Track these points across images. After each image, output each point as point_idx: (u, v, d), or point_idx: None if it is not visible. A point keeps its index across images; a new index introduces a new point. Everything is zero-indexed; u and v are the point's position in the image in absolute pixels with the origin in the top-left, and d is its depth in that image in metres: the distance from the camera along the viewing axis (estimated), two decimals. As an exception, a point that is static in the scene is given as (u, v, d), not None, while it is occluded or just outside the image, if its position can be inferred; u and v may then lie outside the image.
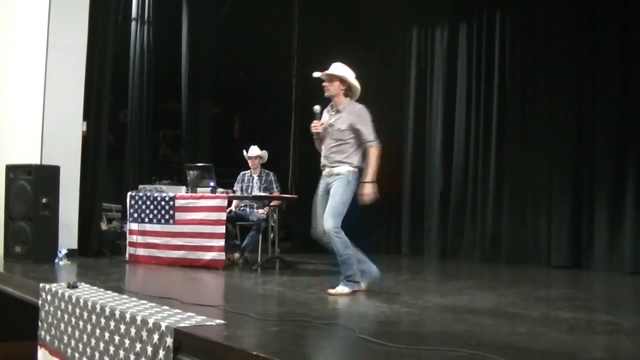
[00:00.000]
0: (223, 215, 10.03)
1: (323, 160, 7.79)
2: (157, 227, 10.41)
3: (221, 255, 9.97)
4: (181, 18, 15.30)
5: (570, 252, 11.75)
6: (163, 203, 10.37)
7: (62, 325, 6.51)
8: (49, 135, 10.63)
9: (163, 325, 4.96)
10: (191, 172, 10.90)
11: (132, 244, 10.65)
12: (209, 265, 9.94)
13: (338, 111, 7.76)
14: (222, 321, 5.33)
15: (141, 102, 14.90)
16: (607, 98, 11.32)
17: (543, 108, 12.17)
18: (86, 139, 11.18)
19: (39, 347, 7.00)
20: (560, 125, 11.89)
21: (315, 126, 7.84)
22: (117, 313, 5.56)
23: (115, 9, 12.47)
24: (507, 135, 12.63)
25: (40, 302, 7.07)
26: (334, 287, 7.56)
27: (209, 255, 10.00)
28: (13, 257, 10.06)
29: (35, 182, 10.05)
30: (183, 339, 4.80)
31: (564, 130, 11.84)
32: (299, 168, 15.89)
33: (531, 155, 12.27)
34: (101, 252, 11.31)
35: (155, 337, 4.98)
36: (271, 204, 11.12)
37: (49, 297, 6.92)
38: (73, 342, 6.25)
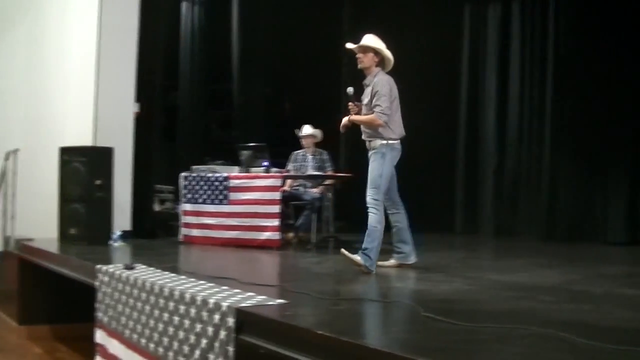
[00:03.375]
0: (277, 195, 9.96)
1: (363, 136, 7.81)
2: (211, 208, 10.36)
3: (276, 235, 9.91)
4: (231, -3, 15.25)
5: (627, 229, 11.58)
6: (217, 183, 10.31)
7: (120, 307, 6.49)
8: (102, 117, 10.61)
9: (224, 305, 4.88)
10: (244, 152, 10.83)
11: (186, 225, 10.61)
12: (264, 245, 9.89)
13: (366, 85, 7.73)
14: (283, 300, 5.25)
15: (192, 82, 14.86)
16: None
17: (599, 82, 11.91)
18: (139, 120, 11.14)
19: (97, 329, 6.99)
20: (617, 101, 11.65)
21: (351, 108, 7.85)
22: (177, 294, 5.51)
23: (166, -11, 12.42)
24: (561, 111, 12.41)
25: (97, 283, 7.06)
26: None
27: (263, 235, 9.95)
28: (68, 239, 10.06)
29: (89, 164, 10.04)
30: (245, 318, 4.72)
31: (620, 106, 11.61)
32: (350, 147, 15.78)
33: (587, 131, 12.05)
34: (155, 234, 11.30)
35: (217, 317, 4.91)
36: (325, 182, 11.03)
37: (106, 279, 6.90)
38: (131, 323, 6.22)
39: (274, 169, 10.55)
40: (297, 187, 11.31)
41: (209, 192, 10.38)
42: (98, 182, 10.04)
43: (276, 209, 9.92)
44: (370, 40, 7.67)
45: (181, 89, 14.86)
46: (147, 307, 5.94)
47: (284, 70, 16.08)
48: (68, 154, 10.24)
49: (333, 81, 15.68)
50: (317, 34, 15.35)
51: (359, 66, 7.76)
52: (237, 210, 10.16)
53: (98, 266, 7.11)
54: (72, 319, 9.37)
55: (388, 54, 7.70)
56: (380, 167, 7.52)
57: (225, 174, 10.36)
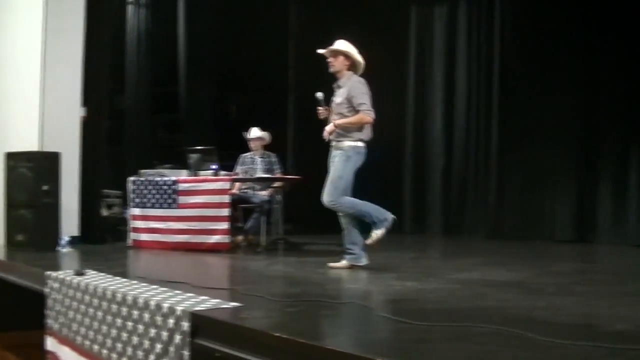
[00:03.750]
0: (226, 198, 9.93)
1: (330, 135, 7.89)
2: (160, 212, 10.31)
3: (225, 238, 9.88)
4: (177, 0, 15.13)
5: (574, 226, 11.74)
6: (165, 187, 10.26)
7: (71, 313, 6.42)
8: (49, 122, 10.47)
9: (179, 309, 4.85)
10: (193, 155, 10.79)
11: (135, 229, 10.54)
12: (214, 249, 9.85)
13: (339, 86, 7.92)
14: (237, 304, 5.23)
15: (139, 86, 14.76)
16: (611, 71, 11.28)
17: (545, 82, 12.09)
18: (85, 125, 11.03)
19: (47, 336, 6.90)
20: (563, 99, 11.82)
21: (321, 112, 8.02)
22: (129, 299, 5.46)
23: (112, -9, 12.30)
24: (508, 109, 12.56)
25: (47, 290, 6.97)
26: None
27: (213, 239, 9.91)
28: (15, 246, 9.93)
29: (35, 170, 9.92)
30: (200, 322, 4.70)
31: (567, 105, 11.78)
32: (297, 149, 15.79)
33: (533, 130, 12.22)
34: (103, 239, 11.19)
35: (171, 321, 4.88)
36: (274, 185, 11.02)
37: (56, 285, 6.81)
38: (83, 330, 6.15)
39: (223, 172, 10.52)
40: (245, 190, 11.29)
41: (158, 196, 10.32)
42: (45, 187, 9.93)
43: (225, 212, 9.90)
44: (341, 44, 7.90)
45: (128, 93, 14.75)
46: (99, 313, 5.88)
47: (231, 73, 16.07)
48: (14, 160, 10.12)
49: (280, 83, 15.72)
50: (263, 36, 15.36)
51: (331, 70, 7.95)
52: (186, 214, 10.11)
53: (47, 272, 7.02)
54: (20, 326, 9.23)
55: (358, 57, 7.95)
56: (341, 169, 7.69)
57: (174, 178, 10.31)
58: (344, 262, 7.83)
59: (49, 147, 10.29)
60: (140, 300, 5.30)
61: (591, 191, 11.57)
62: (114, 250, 10.25)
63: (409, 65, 14.32)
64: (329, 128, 7.78)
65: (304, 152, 15.62)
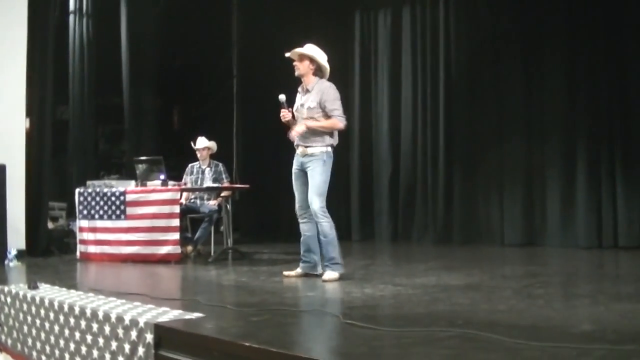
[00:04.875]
0: (176, 208, 9.86)
1: (297, 140, 7.88)
2: (108, 223, 10.18)
3: (176, 249, 9.81)
4: (120, 10, 14.97)
5: (523, 230, 11.77)
6: (113, 198, 10.13)
7: (26, 328, 6.32)
8: (-8, 133, 10.35)
9: (141, 321, 4.80)
10: (140, 165, 10.68)
11: (83, 242, 10.41)
12: (164, 260, 9.75)
13: (307, 90, 7.91)
14: (200, 314, 5.17)
15: (82, 97, 14.57)
16: (555, 75, 11.36)
17: (490, 88, 12.16)
18: (29, 136, 10.89)
19: (0, 352, 6.78)
20: (509, 104, 11.90)
21: (284, 115, 7.93)
22: (88, 311, 5.39)
23: (53, 2, 12.13)
24: (455, 115, 12.59)
25: (-2, 305, 6.86)
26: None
27: (163, 249, 9.81)
28: (-40, 261, 9.76)
29: (-20, 182, 9.78)
30: (164, 334, 4.65)
31: (513, 109, 11.84)
32: (242, 158, 15.72)
33: (480, 134, 12.26)
34: (50, 252, 11.05)
35: (133, 333, 4.82)
36: (222, 194, 10.96)
37: (8, 300, 6.71)
38: (39, 344, 6.06)
39: (171, 182, 10.42)
40: (194, 200, 11.21)
41: (106, 207, 10.19)
42: (-10, 200, 9.81)
43: (175, 222, 9.83)
44: (308, 48, 7.89)
45: (71, 104, 14.57)
46: (56, 327, 5.79)
47: (174, 82, 15.99)
48: (-43, 172, 9.96)
49: (225, 92, 15.65)
50: (207, 45, 15.30)
51: (296, 73, 7.93)
52: (135, 225, 10.00)
53: (-1, 287, 6.92)
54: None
55: (324, 62, 7.93)
56: (324, 174, 7.72)
57: (122, 189, 10.19)
58: (298, 270, 7.87)
59: (-6, 160, 10.14)
60: (100, 313, 5.24)
61: (539, 195, 11.63)
62: (62, 263, 10.13)
63: (354, 71, 14.25)
64: (299, 129, 7.74)
65: (250, 160, 15.57)
